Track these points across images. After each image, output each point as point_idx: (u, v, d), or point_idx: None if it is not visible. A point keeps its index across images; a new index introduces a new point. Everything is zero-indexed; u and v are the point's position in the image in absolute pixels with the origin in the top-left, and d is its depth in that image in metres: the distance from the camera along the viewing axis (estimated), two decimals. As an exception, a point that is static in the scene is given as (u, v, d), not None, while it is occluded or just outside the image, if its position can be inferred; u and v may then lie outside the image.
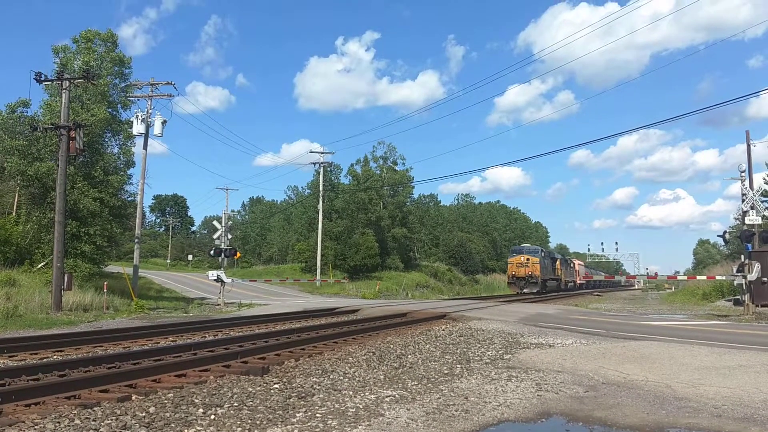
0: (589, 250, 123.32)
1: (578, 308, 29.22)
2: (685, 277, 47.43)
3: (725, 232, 25.44)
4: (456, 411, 6.16)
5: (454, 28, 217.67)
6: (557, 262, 58.45)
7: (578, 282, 71.04)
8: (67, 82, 22.03)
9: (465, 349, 11.18)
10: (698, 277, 41.22)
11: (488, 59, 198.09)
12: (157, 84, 33.32)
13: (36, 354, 10.09)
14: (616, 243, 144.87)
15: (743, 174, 24.34)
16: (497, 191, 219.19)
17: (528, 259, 48.13)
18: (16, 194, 32.56)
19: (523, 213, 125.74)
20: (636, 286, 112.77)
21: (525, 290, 46.81)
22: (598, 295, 58.70)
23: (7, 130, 28.41)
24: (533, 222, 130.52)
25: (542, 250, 51.80)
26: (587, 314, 22.71)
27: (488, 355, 10.52)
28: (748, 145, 31.86)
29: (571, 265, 70.24)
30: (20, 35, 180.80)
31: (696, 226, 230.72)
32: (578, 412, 6.27)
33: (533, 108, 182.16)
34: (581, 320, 18.58)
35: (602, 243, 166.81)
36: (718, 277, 32.60)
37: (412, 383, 7.67)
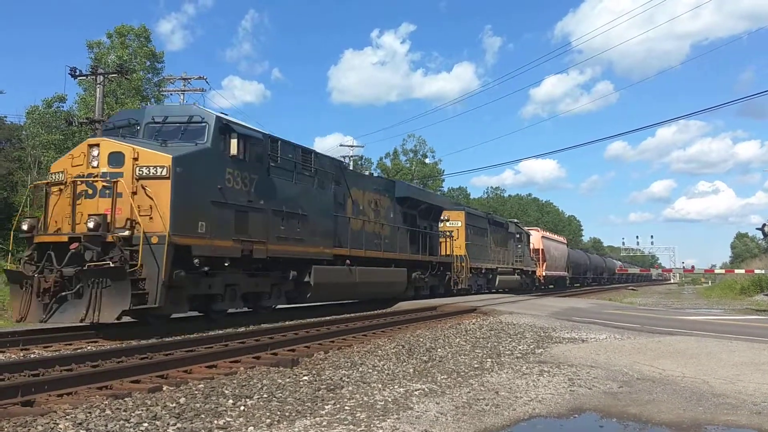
0: (623, 243, 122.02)
1: (612, 302, 28.80)
2: (723, 271, 46.45)
3: (765, 225, 24.80)
4: (486, 405, 6.07)
5: (491, 19, 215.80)
6: (441, 219, 25.05)
7: (541, 274, 39.92)
8: (101, 77, 22.39)
9: (495, 343, 11.05)
10: (736, 271, 40.39)
11: (525, 50, 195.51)
12: (190, 78, 33.66)
13: (70, 345, 10.26)
14: (652, 236, 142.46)
15: (784, 165, 23.66)
16: (531, 184, 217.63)
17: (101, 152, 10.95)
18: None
19: (555, 206, 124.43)
20: (672, 280, 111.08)
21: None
22: (633, 289, 57.86)
23: (43, 124, 29.08)
24: (566, 215, 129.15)
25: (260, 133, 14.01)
26: (621, 308, 22.35)
27: (519, 349, 10.38)
28: (790, 136, 31.00)
29: (519, 237, 35.88)
30: (57, 30, 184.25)
31: (735, 218, 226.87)
32: (612, 408, 6.13)
33: (570, 99, 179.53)
34: (615, 314, 18.27)
35: (637, 236, 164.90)
36: (756, 271, 31.93)
37: (442, 377, 7.59)
